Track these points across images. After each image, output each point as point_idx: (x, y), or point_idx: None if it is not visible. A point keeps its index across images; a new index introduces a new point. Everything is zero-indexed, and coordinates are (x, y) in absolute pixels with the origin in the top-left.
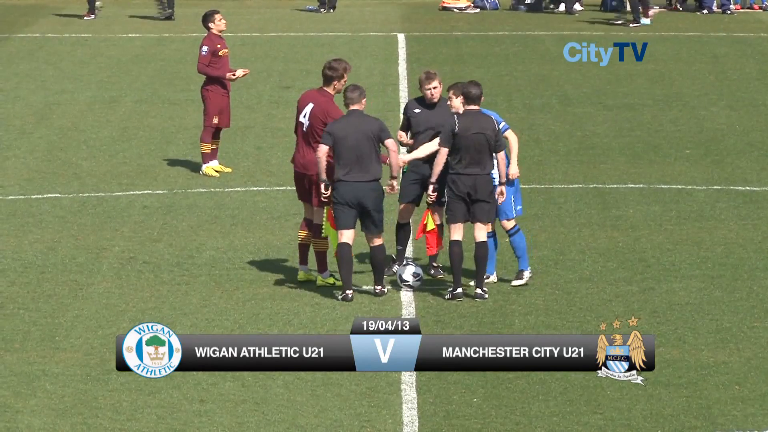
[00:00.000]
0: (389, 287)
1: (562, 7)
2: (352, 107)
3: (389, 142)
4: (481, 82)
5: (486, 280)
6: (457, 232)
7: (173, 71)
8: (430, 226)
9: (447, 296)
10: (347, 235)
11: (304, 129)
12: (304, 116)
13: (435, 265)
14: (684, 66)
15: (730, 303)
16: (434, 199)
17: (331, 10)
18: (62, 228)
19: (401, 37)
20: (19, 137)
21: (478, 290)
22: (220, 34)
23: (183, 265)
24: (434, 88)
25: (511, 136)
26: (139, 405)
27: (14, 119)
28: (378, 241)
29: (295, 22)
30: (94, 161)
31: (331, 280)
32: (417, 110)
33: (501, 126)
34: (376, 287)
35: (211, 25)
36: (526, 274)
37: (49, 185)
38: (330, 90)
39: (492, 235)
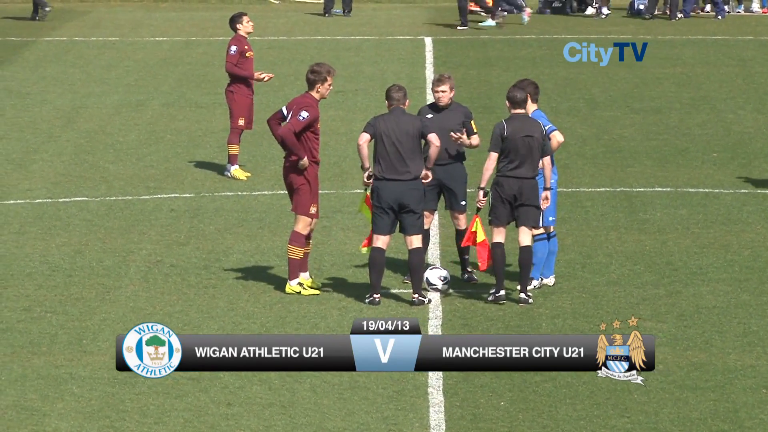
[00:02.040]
0: (430, 297)
1: (590, 10)
2: (395, 106)
3: (432, 137)
4: (507, 86)
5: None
6: (499, 234)
7: (200, 74)
8: (480, 236)
9: (489, 298)
10: (382, 241)
11: None
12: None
13: (469, 270)
14: (711, 69)
15: (757, 306)
16: (483, 203)
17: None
18: (89, 231)
19: (428, 41)
20: (47, 141)
21: (522, 295)
22: (246, 36)
23: (210, 269)
24: (442, 91)
25: (556, 138)
26: (166, 408)
27: (42, 123)
28: (417, 244)
29: (322, 26)
30: (122, 164)
31: (297, 288)
32: (429, 115)
33: (547, 128)
34: (414, 295)
35: (239, 26)
36: (534, 282)
37: (77, 189)
38: (314, 94)
39: (545, 237)
